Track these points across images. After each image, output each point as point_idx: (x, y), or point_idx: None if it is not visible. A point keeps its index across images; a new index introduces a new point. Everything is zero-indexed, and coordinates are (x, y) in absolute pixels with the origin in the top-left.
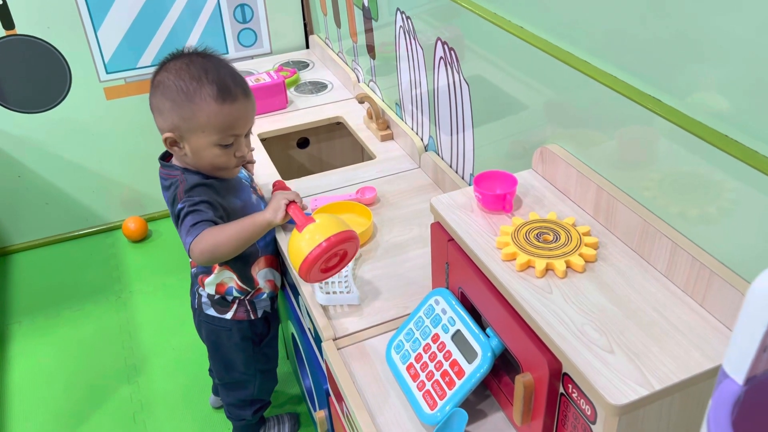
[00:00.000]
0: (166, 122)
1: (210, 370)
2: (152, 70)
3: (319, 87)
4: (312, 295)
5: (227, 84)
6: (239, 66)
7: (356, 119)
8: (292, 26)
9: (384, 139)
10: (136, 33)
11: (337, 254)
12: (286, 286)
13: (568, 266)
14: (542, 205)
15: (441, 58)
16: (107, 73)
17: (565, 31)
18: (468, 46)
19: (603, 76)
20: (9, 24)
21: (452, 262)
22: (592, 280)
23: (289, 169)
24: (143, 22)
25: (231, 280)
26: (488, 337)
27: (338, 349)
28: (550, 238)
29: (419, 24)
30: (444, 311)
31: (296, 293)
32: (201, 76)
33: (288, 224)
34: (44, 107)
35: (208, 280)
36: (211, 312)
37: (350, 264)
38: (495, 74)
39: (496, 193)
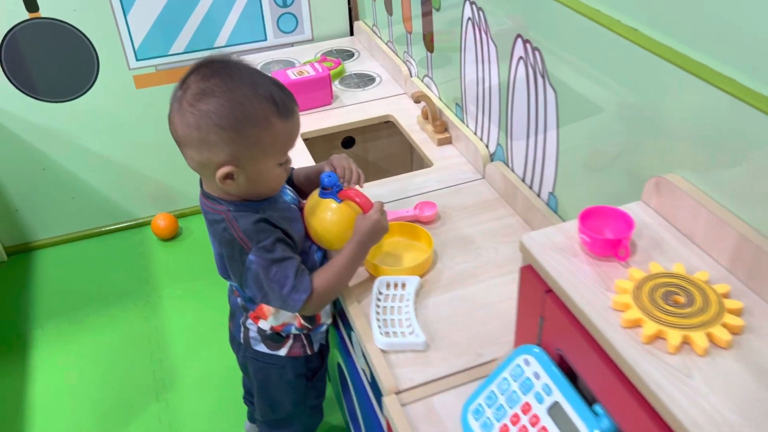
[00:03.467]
0: (220, 155)
1: (245, 398)
2: (185, 58)
3: (366, 80)
4: (367, 332)
5: (282, 97)
6: (278, 54)
7: (408, 119)
8: (335, 11)
9: (441, 143)
10: (168, 17)
11: None
12: (335, 315)
13: (710, 340)
14: (661, 250)
15: (521, 58)
16: (137, 60)
17: (695, 36)
18: (559, 47)
19: (746, 94)
20: (33, 6)
21: (549, 318)
22: (741, 359)
23: None
24: (176, 6)
25: (294, 319)
26: (597, 415)
27: (402, 405)
28: (682, 300)
29: (494, 16)
30: (537, 375)
31: (348, 328)
32: (257, 96)
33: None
34: (70, 96)
35: (266, 321)
36: (261, 348)
37: (411, 299)
38: (593, 82)
39: (611, 239)
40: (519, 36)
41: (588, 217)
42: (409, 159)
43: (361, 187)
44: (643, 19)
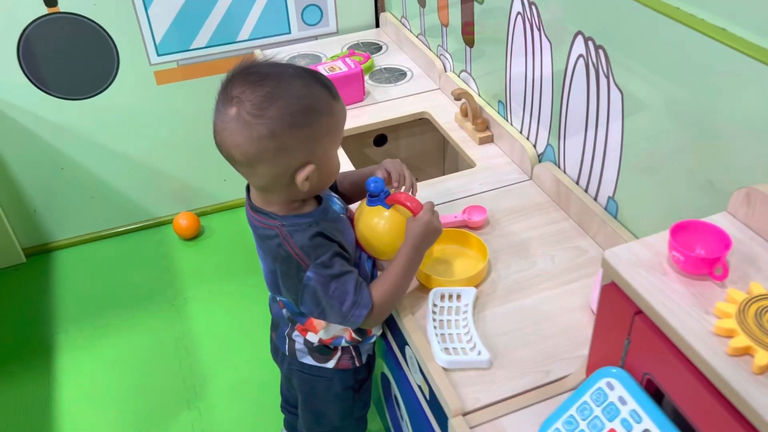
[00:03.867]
0: (298, 156)
1: (283, 407)
2: (208, 52)
3: (396, 75)
4: (425, 348)
5: (326, 81)
6: (303, 48)
7: (445, 116)
8: (361, 2)
9: (483, 141)
10: (190, 11)
11: None
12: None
13: None
14: (758, 268)
15: (580, 56)
16: (158, 55)
17: None
18: (628, 46)
19: None
20: (51, 1)
21: (638, 341)
22: None
23: None
24: None
25: (344, 332)
26: None
27: (470, 428)
28: None
29: (549, 12)
30: (622, 400)
31: (401, 340)
32: (307, 85)
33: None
34: (89, 93)
35: (315, 335)
36: (308, 361)
37: (470, 312)
38: (666, 84)
39: (708, 257)
40: (579, 33)
41: (677, 232)
42: (442, 157)
43: (414, 194)
44: (731, 17)
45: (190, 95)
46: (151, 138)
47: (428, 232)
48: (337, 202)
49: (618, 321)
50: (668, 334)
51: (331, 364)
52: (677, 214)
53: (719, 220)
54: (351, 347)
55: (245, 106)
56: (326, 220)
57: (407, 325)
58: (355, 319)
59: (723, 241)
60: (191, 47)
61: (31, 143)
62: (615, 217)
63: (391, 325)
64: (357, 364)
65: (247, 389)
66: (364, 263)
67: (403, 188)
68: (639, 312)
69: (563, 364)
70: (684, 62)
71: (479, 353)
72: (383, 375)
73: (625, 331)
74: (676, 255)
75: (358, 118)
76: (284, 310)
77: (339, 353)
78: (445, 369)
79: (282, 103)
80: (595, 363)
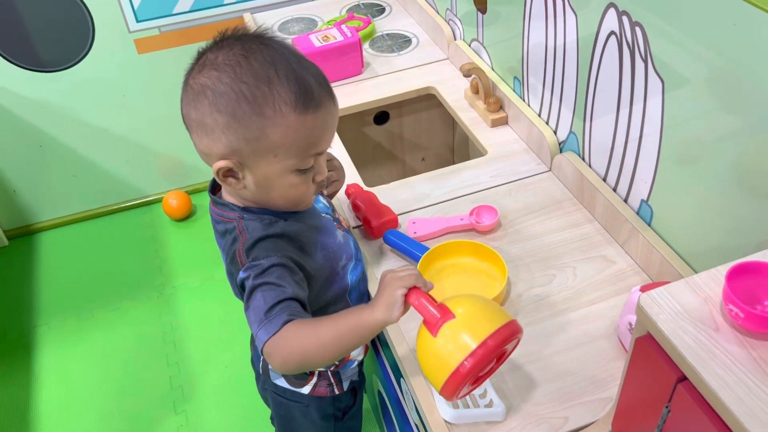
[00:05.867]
0: (218, 145)
1: (272, 418)
2: (192, 17)
3: (400, 42)
4: (425, 393)
5: (308, 84)
6: (297, 11)
7: (454, 93)
8: None
9: (496, 124)
10: None
11: (494, 358)
12: (376, 341)
13: None
14: None
15: (612, 33)
16: (138, 21)
17: None
18: (673, 25)
19: None
20: None
21: (681, 413)
22: None
23: (362, 150)
24: None
25: None
26: None
27: None
28: None
29: None
30: None
31: (397, 372)
32: (270, 75)
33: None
34: (64, 65)
35: None
36: (282, 383)
37: None
38: (723, 75)
39: None
40: (612, 5)
41: (734, 277)
42: (452, 134)
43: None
44: None
45: (174, 64)
46: (135, 111)
47: (373, 326)
48: (320, 200)
49: (655, 383)
50: (722, 414)
51: (306, 390)
52: (732, 231)
53: None
54: (329, 373)
55: (196, 65)
56: (300, 219)
57: (402, 356)
58: (259, 344)
59: None
60: (174, 12)
61: (5, 120)
62: (649, 225)
63: (385, 347)
64: (336, 392)
65: (238, 391)
66: (346, 276)
67: (326, 191)
68: (683, 379)
69: (584, 409)
70: (748, 47)
71: (491, 402)
72: (380, 395)
73: (664, 397)
74: (735, 311)
75: (355, 94)
76: None
77: (315, 379)
78: (449, 422)
79: (214, 76)
80: (623, 422)
